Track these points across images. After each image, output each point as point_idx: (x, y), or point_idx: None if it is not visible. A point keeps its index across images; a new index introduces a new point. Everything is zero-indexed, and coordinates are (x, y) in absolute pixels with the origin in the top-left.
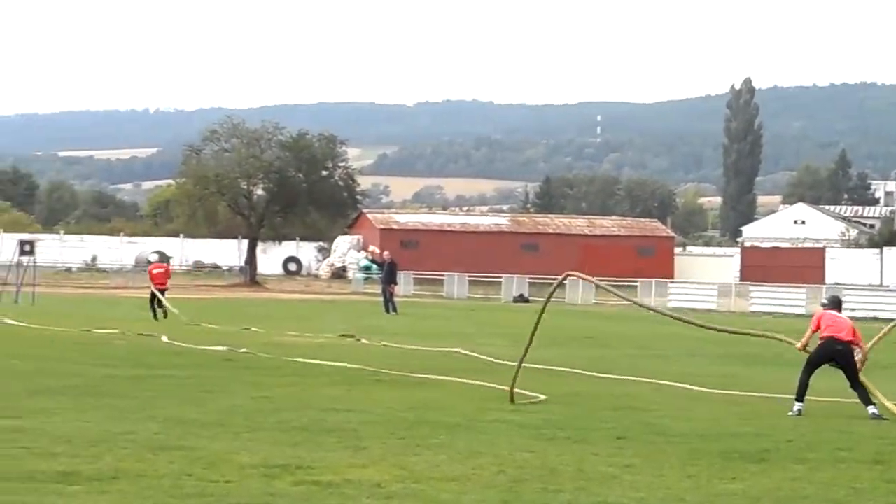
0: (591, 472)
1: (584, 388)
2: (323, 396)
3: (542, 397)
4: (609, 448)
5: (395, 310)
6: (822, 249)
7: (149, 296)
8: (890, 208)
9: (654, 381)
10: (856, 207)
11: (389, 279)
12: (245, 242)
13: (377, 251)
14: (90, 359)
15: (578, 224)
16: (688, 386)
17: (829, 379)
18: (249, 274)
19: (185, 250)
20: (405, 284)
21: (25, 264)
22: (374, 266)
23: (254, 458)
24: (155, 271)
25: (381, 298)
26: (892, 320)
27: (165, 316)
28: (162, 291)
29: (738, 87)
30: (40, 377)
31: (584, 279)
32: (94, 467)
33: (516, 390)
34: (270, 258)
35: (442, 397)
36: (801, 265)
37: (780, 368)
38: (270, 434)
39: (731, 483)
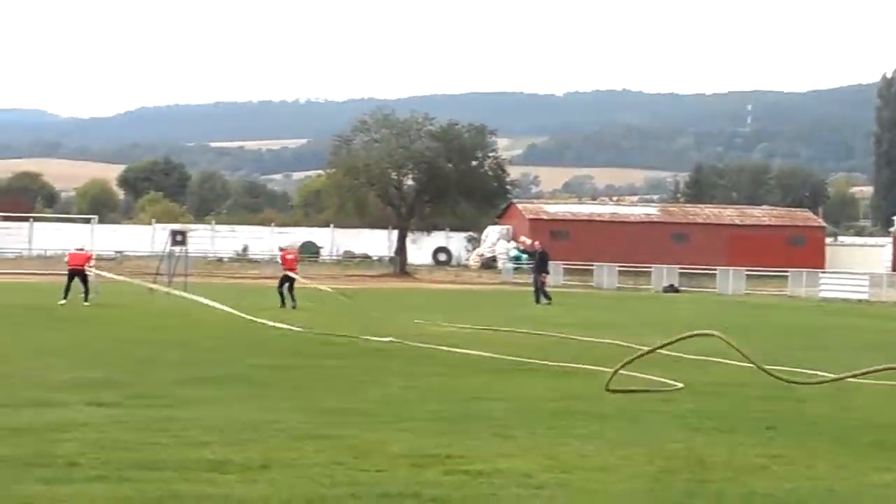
0: (740, 463)
1: (733, 378)
2: (471, 386)
3: (680, 385)
4: (758, 438)
5: (547, 298)
6: None
7: (279, 282)
8: None
9: (804, 370)
10: None
11: (540, 268)
12: (395, 233)
13: (528, 241)
14: (240, 348)
15: (728, 214)
16: (840, 376)
17: None
18: (399, 264)
19: (335, 240)
20: (555, 275)
21: (177, 254)
22: (524, 256)
23: (403, 447)
24: (288, 256)
25: (532, 288)
26: None
27: (294, 306)
28: (291, 278)
29: (889, 75)
30: (191, 366)
31: (724, 340)
32: (245, 456)
33: (656, 377)
34: (420, 248)
35: (591, 387)
36: None
37: None
38: (420, 424)
39: (884, 473)
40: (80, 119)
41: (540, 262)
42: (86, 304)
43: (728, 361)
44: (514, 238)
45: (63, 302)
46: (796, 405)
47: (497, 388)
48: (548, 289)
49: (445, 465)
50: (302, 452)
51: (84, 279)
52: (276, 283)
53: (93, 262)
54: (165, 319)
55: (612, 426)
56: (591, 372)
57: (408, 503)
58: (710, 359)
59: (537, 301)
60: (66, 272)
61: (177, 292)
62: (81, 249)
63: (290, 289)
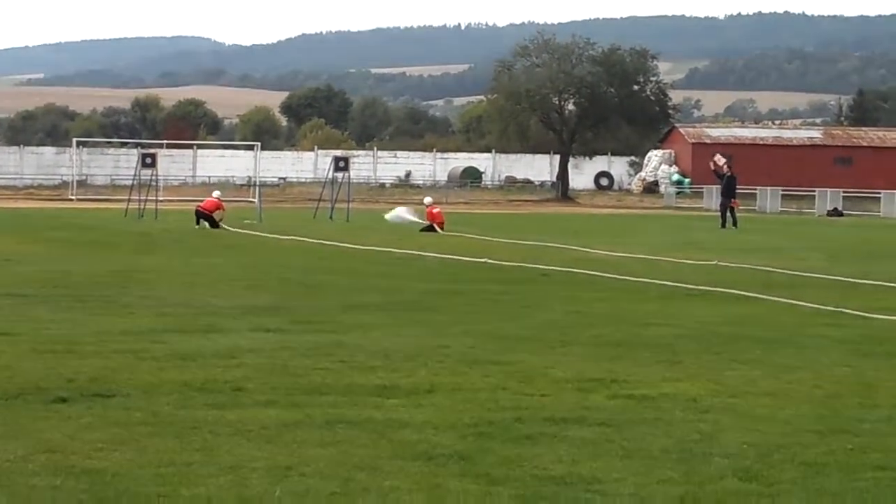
0: None
1: None
2: (637, 312)
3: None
4: None
5: (735, 224)
6: None
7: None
8: None
9: None
10: None
11: (728, 193)
12: (556, 158)
13: (721, 160)
14: (406, 274)
15: (893, 137)
16: None
17: None
18: (561, 189)
19: (496, 166)
20: (715, 197)
21: (340, 181)
22: (686, 181)
23: (568, 372)
24: (434, 210)
25: (719, 212)
26: None
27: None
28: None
29: None
30: (356, 293)
31: None
32: (411, 381)
33: (810, 304)
34: (582, 173)
35: (758, 312)
36: None
37: None
38: (585, 349)
39: None
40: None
41: (727, 187)
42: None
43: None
44: (711, 157)
45: (197, 227)
46: None
47: (662, 314)
48: (733, 218)
49: (610, 390)
50: (467, 377)
51: (212, 224)
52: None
53: (223, 214)
54: (330, 247)
55: (779, 352)
56: (757, 298)
57: (573, 427)
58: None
59: (723, 225)
60: (195, 212)
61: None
62: (217, 197)
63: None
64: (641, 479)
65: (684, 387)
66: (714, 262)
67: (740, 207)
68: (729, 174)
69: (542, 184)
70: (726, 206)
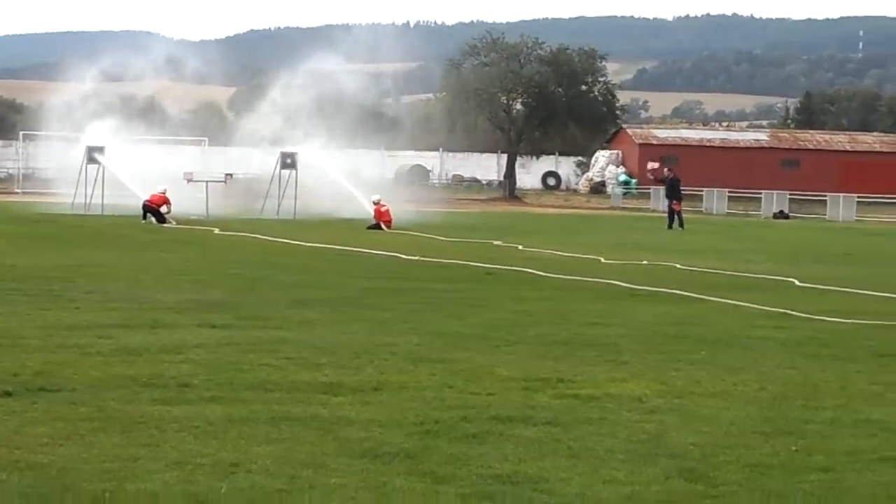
0: (855, 390)
1: (848, 306)
2: (582, 311)
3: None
4: (873, 366)
5: (681, 225)
6: None
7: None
8: None
9: None
10: None
11: (672, 195)
12: (504, 157)
13: (656, 166)
14: (352, 271)
15: (839, 140)
16: None
17: None
18: (508, 188)
19: (444, 164)
20: (663, 200)
21: (287, 177)
22: (633, 181)
23: (514, 371)
24: (382, 209)
25: (666, 214)
26: None
27: None
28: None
29: None
30: (303, 289)
31: None
32: (357, 378)
33: (756, 305)
34: (529, 172)
35: (704, 313)
36: None
37: None
38: (530, 348)
39: None
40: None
41: (670, 189)
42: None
43: (846, 289)
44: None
45: (144, 221)
46: None
47: (607, 314)
48: (679, 220)
49: (556, 389)
50: (413, 375)
51: (159, 219)
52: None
53: (169, 210)
54: (276, 244)
55: (725, 353)
56: (701, 299)
57: (519, 426)
58: (828, 287)
59: (669, 227)
60: (142, 206)
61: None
62: (164, 192)
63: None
64: (587, 478)
65: (630, 387)
66: (644, 262)
67: (685, 209)
68: (671, 177)
69: (490, 183)
70: (672, 207)
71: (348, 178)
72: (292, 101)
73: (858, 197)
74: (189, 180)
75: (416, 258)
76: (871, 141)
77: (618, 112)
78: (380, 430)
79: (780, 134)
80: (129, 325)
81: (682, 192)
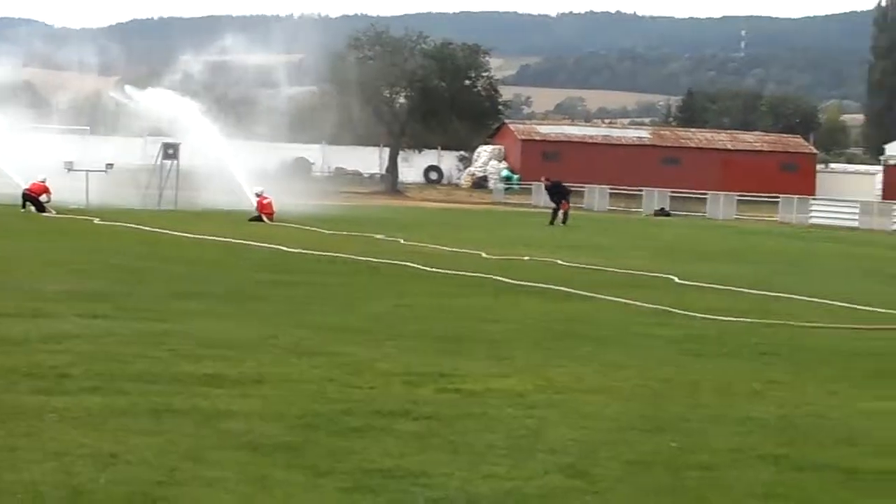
0: (736, 388)
1: (730, 304)
2: (466, 306)
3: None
4: (754, 364)
5: (564, 222)
6: None
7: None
8: None
9: (799, 297)
10: None
11: (558, 198)
12: (386, 150)
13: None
14: (234, 263)
15: (721, 139)
16: (835, 303)
17: None
18: (390, 182)
19: (326, 157)
20: (543, 195)
21: (169, 168)
22: (515, 177)
23: (396, 365)
24: (265, 202)
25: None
26: None
27: None
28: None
29: (884, 3)
30: (184, 281)
31: None
32: (239, 371)
33: (664, 307)
34: (412, 166)
35: (587, 310)
36: None
37: None
38: (413, 342)
39: (876, 402)
40: (72, 29)
41: (553, 193)
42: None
43: (728, 287)
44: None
45: (23, 210)
46: (793, 332)
47: (491, 309)
48: (563, 216)
49: (438, 384)
50: (295, 368)
51: (38, 208)
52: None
53: (49, 199)
54: (158, 235)
55: (607, 349)
56: (587, 296)
57: (400, 421)
58: (711, 285)
59: (552, 222)
60: (21, 195)
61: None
62: (44, 181)
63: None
64: (468, 473)
65: (512, 382)
66: (526, 258)
67: (569, 206)
68: (548, 185)
69: (372, 176)
70: (558, 206)
71: (230, 169)
72: (175, 91)
73: (738, 195)
74: (69, 169)
75: (299, 251)
76: (751, 140)
77: (501, 107)
78: (261, 423)
79: (661, 132)
80: (7, 314)
81: (568, 187)
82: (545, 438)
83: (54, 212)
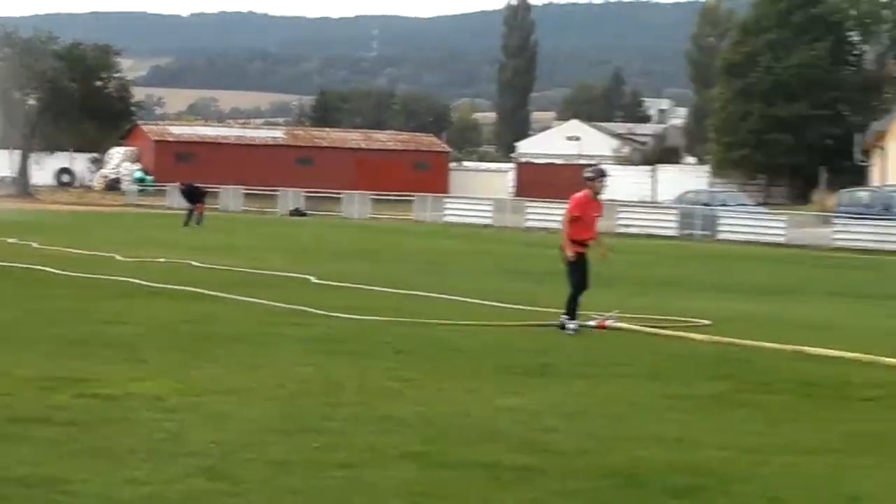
0: (373, 387)
1: (364, 303)
2: (99, 309)
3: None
4: (390, 362)
5: (198, 223)
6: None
7: None
8: (663, 126)
9: (434, 294)
10: (629, 125)
11: (193, 200)
12: (17, 153)
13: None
14: None
15: (354, 138)
16: (469, 300)
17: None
18: (22, 185)
19: None
20: (177, 197)
21: None
22: (148, 178)
23: (31, 371)
24: None
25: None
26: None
27: None
28: None
29: (514, 2)
30: None
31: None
32: None
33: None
34: (43, 169)
35: (221, 311)
36: (578, 181)
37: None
38: (48, 347)
39: (513, 398)
40: None
41: (192, 195)
42: None
43: (362, 286)
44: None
45: None
46: (428, 329)
47: (124, 312)
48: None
49: (75, 389)
50: None
51: None
52: None
53: None
54: None
55: (242, 350)
56: (219, 297)
57: (37, 427)
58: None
59: (186, 224)
60: None
61: None
62: None
63: None
64: (108, 478)
65: (149, 385)
66: (161, 260)
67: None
68: (183, 188)
69: (3, 179)
70: (194, 210)
71: None
72: None
73: (373, 195)
74: None
75: None
76: (384, 139)
77: (133, 108)
78: None
79: (295, 132)
80: None
81: (203, 189)
82: (186, 441)
83: None
